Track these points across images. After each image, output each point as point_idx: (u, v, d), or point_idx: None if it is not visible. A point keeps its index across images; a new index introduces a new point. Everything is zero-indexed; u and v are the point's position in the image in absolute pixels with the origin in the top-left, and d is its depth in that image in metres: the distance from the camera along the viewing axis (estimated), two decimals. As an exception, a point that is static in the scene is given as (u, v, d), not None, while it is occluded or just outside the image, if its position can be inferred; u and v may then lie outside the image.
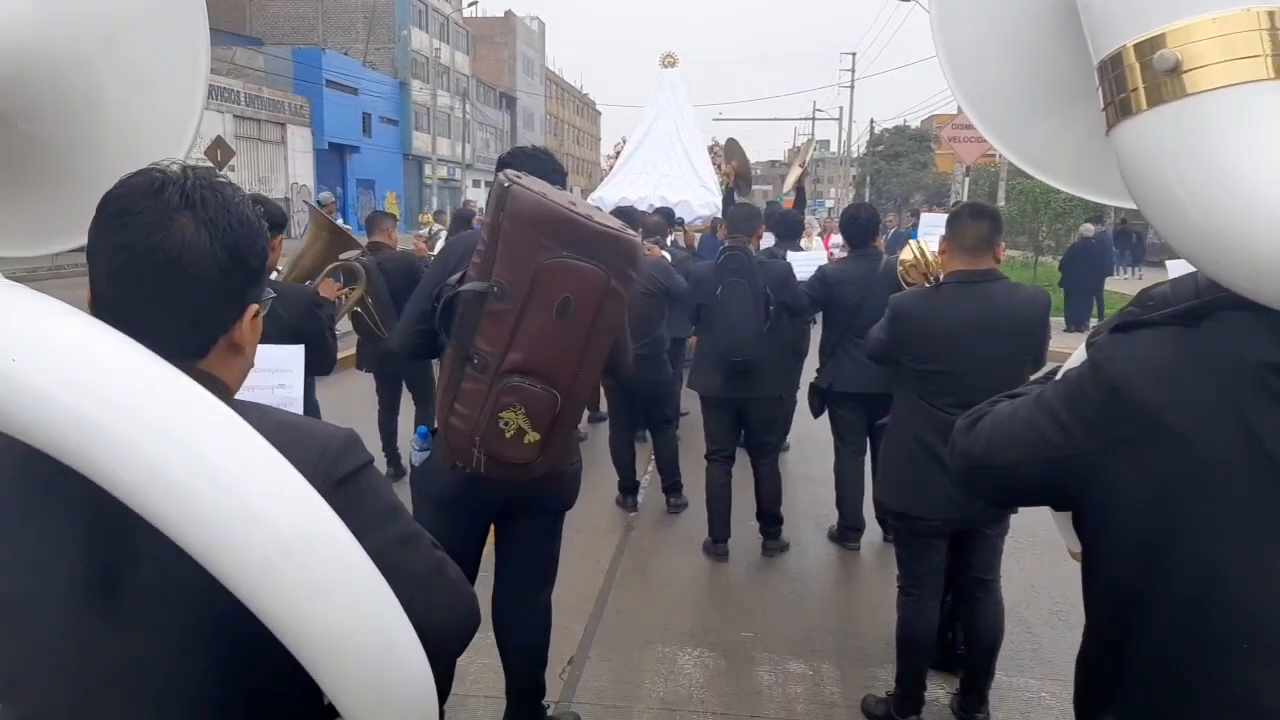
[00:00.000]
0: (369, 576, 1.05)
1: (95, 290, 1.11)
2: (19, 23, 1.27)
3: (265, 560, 0.97)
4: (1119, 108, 1.17)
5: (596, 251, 2.33)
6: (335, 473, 1.11)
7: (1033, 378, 1.60)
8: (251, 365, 1.24)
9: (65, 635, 1.07)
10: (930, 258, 3.47)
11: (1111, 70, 1.18)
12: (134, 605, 1.06)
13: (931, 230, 5.85)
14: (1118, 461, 1.22)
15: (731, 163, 10.27)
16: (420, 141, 47.52)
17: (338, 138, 39.53)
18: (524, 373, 2.38)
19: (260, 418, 1.10)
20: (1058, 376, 1.46)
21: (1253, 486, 1.11)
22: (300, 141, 36.86)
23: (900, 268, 3.94)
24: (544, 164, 2.87)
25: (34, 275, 11.74)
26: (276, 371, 2.59)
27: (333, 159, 39.58)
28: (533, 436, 2.44)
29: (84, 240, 1.17)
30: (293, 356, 2.68)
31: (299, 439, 1.10)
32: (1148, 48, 1.12)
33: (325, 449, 1.12)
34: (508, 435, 2.41)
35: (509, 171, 2.43)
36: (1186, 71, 1.09)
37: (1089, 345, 1.32)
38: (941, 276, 3.31)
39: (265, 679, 1.12)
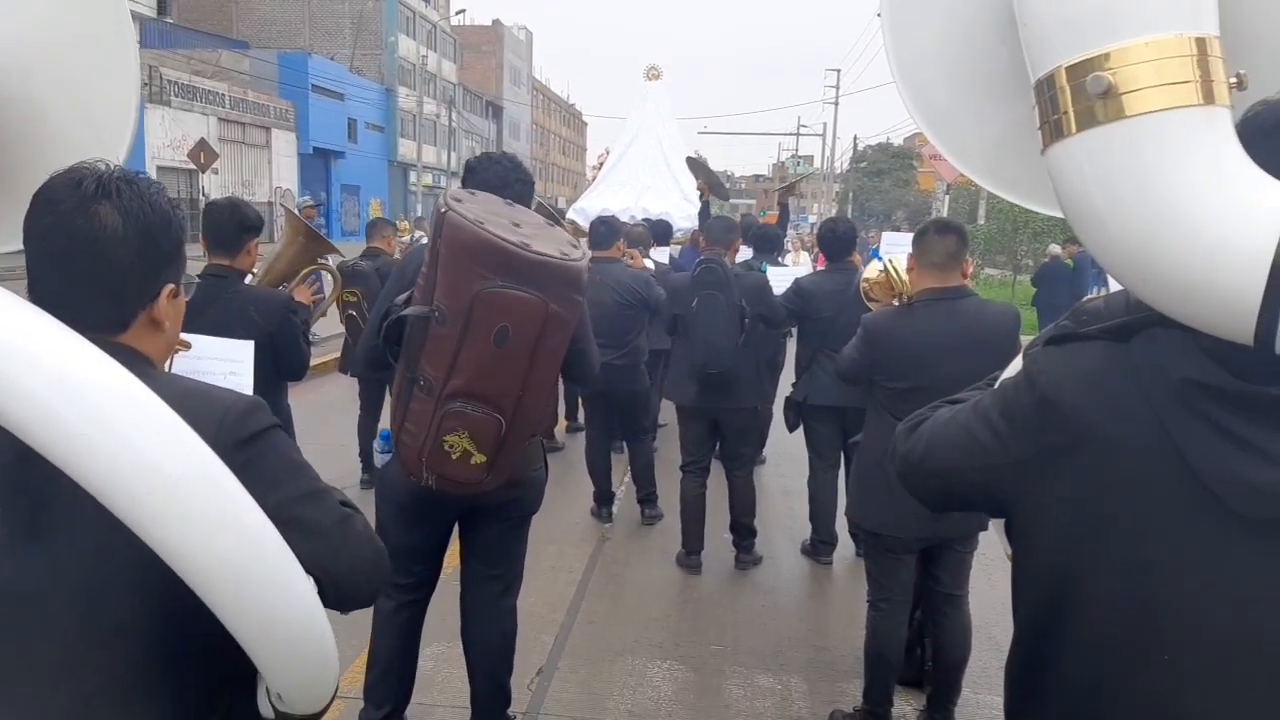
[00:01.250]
0: (249, 512, 1.15)
1: (29, 273, 1.24)
2: None
3: (150, 496, 1.09)
4: (1052, 129, 1.19)
5: (534, 279, 2.31)
6: (238, 433, 1.22)
7: (972, 386, 1.64)
8: (174, 341, 1.38)
9: None
10: (902, 276, 3.48)
11: (1046, 91, 1.19)
12: (57, 551, 1.17)
13: (894, 248, 5.87)
14: (1048, 471, 1.23)
15: (699, 179, 10.31)
16: (406, 148, 47.46)
17: (323, 143, 39.40)
18: (466, 397, 2.38)
19: (168, 384, 1.22)
20: (996, 385, 1.47)
21: (1176, 499, 1.13)
22: (285, 146, 36.72)
23: (864, 285, 3.94)
24: (505, 173, 2.86)
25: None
26: (229, 361, 2.83)
27: (317, 164, 39.46)
28: (479, 458, 2.45)
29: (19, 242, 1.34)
30: (243, 349, 2.91)
31: (204, 403, 1.22)
32: (1080, 70, 1.13)
33: (228, 411, 1.24)
34: (454, 457, 2.42)
35: (452, 192, 2.43)
36: (1121, 95, 1.10)
37: (1025, 356, 1.34)
38: (911, 295, 3.32)
39: (189, 609, 1.17)
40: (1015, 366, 1.44)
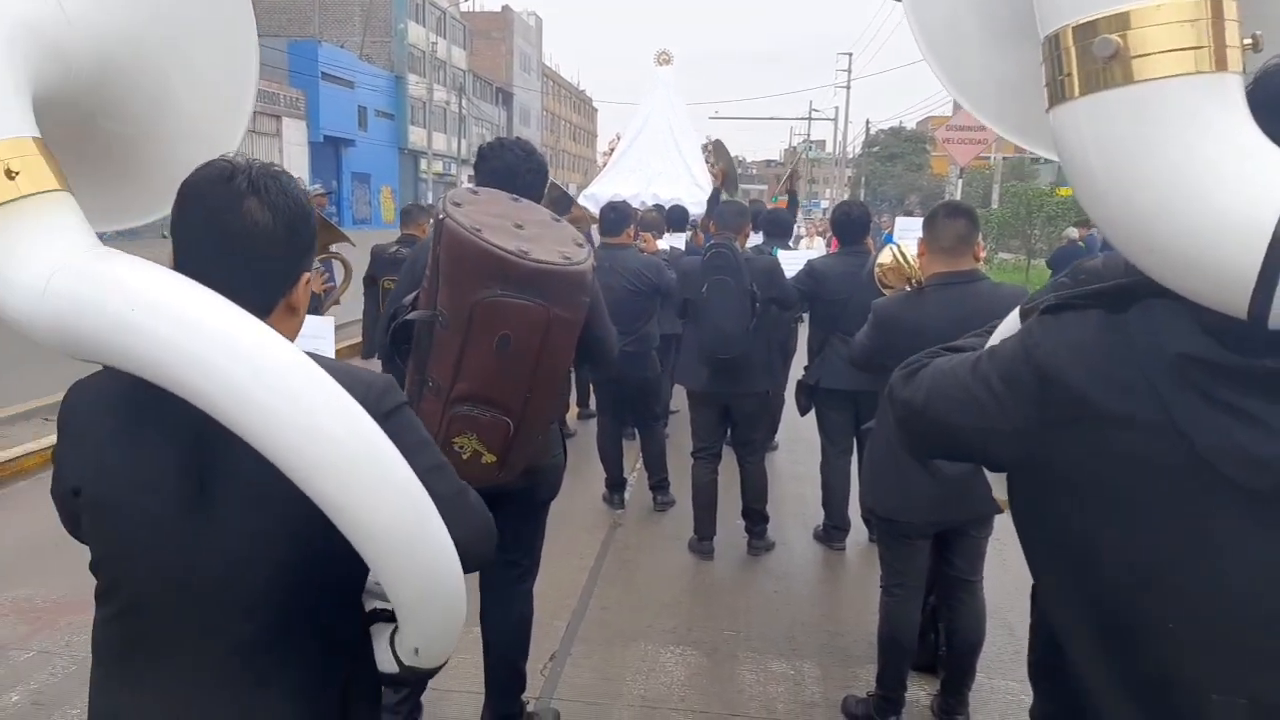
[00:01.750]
0: (410, 479, 1.27)
1: (177, 260, 1.32)
2: (103, 33, 1.51)
3: (329, 463, 1.21)
4: (1056, 89, 1.15)
5: (536, 287, 2.27)
6: (381, 407, 1.33)
7: (971, 333, 1.64)
8: (302, 325, 1.47)
9: (164, 537, 1.30)
10: (911, 261, 3.45)
11: (1052, 50, 1.15)
12: (222, 507, 1.30)
13: (907, 234, 5.82)
14: (1049, 439, 1.23)
15: (719, 164, 10.25)
16: (416, 136, 47.46)
17: (333, 131, 39.45)
18: (473, 401, 2.36)
19: (320, 361, 1.31)
20: (992, 340, 1.46)
21: (1176, 473, 1.12)
22: (295, 134, 36.77)
23: (878, 271, 3.91)
24: (516, 162, 2.83)
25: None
26: (314, 338, 2.89)
27: (328, 152, 39.51)
28: (490, 458, 2.43)
29: (152, 217, 1.61)
30: (326, 325, 3.10)
31: (350, 380, 1.31)
32: (1088, 31, 1.09)
33: (370, 387, 1.35)
34: (464, 457, 2.39)
35: (452, 195, 2.39)
36: (1130, 59, 1.06)
37: (1022, 315, 1.33)
38: (922, 279, 3.29)
39: (331, 571, 1.35)
40: (1013, 323, 1.42)
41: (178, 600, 1.32)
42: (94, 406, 1.37)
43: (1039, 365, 1.22)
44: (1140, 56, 1.06)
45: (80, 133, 1.45)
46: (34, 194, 1.29)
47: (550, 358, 2.40)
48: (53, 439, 6.41)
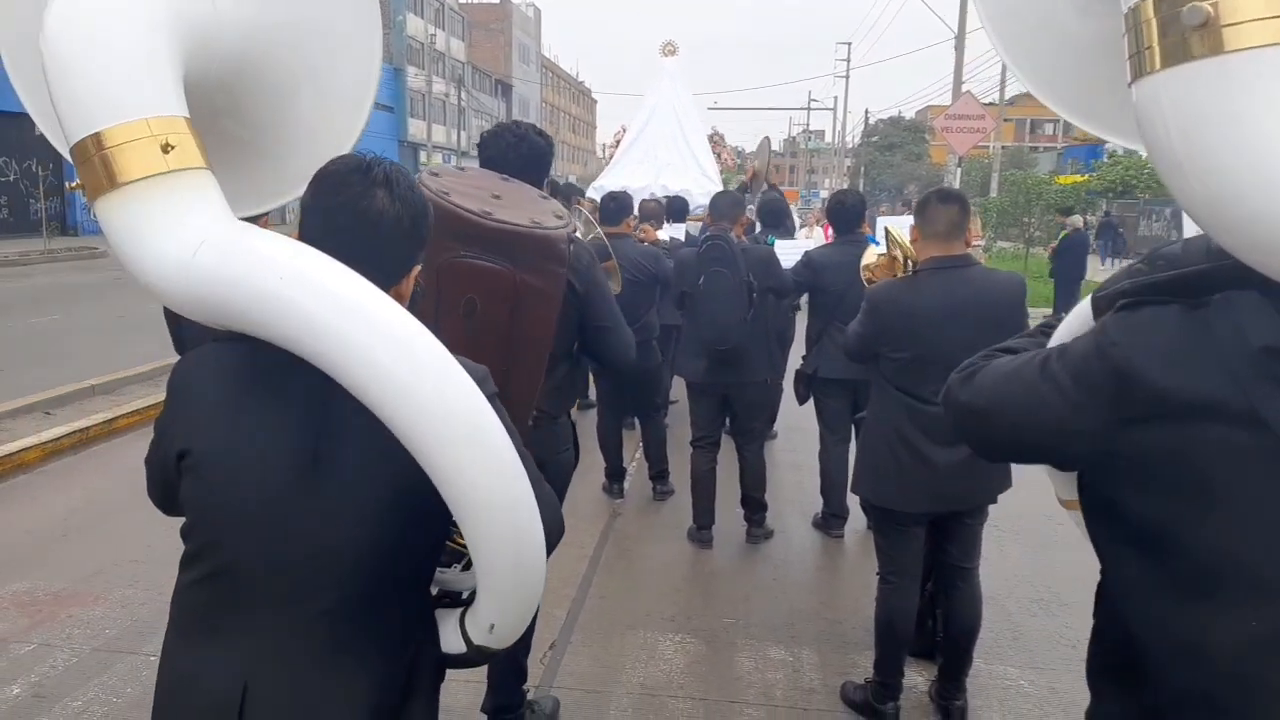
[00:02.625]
0: (516, 458, 1.36)
1: (306, 240, 1.40)
2: (245, 29, 1.59)
3: (452, 432, 1.29)
4: (1137, 63, 1.11)
5: (499, 248, 2.25)
6: (483, 391, 1.38)
7: (1023, 335, 1.62)
8: None
9: (268, 503, 1.36)
10: (902, 241, 3.44)
11: (1132, 21, 1.11)
12: (329, 483, 1.36)
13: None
14: (1128, 438, 1.21)
15: (756, 161, 10.23)
16: (415, 128, 47.39)
17: (331, 123, 39.33)
18: None
19: None
20: (1059, 336, 1.43)
21: (1261, 469, 1.12)
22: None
23: (865, 272, 3.87)
24: (506, 147, 2.79)
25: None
26: None
27: (326, 145, 39.39)
28: None
29: (266, 207, 1.78)
30: None
31: (460, 363, 1.36)
32: (1173, 0, 1.04)
33: (474, 371, 1.40)
34: None
35: (430, 168, 2.39)
36: (1221, 28, 1.01)
37: (1095, 305, 1.33)
38: (914, 257, 3.29)
39: (412, 551, 1.45)
40: (1081, 317, 1.40)
41: (270, 566, 1.37)
42: (209, 374, 1.44)
43: (1115, 364, 1.21)
44: (1233, 25, 1.00)
45: (203, 129, 1.52)
46: (184, 169, 1.37)
47: (527, 331, 2.36)
48: (54, 432, 6.47)
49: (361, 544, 1.38)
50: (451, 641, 1.51)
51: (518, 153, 2.80)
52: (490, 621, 1.46)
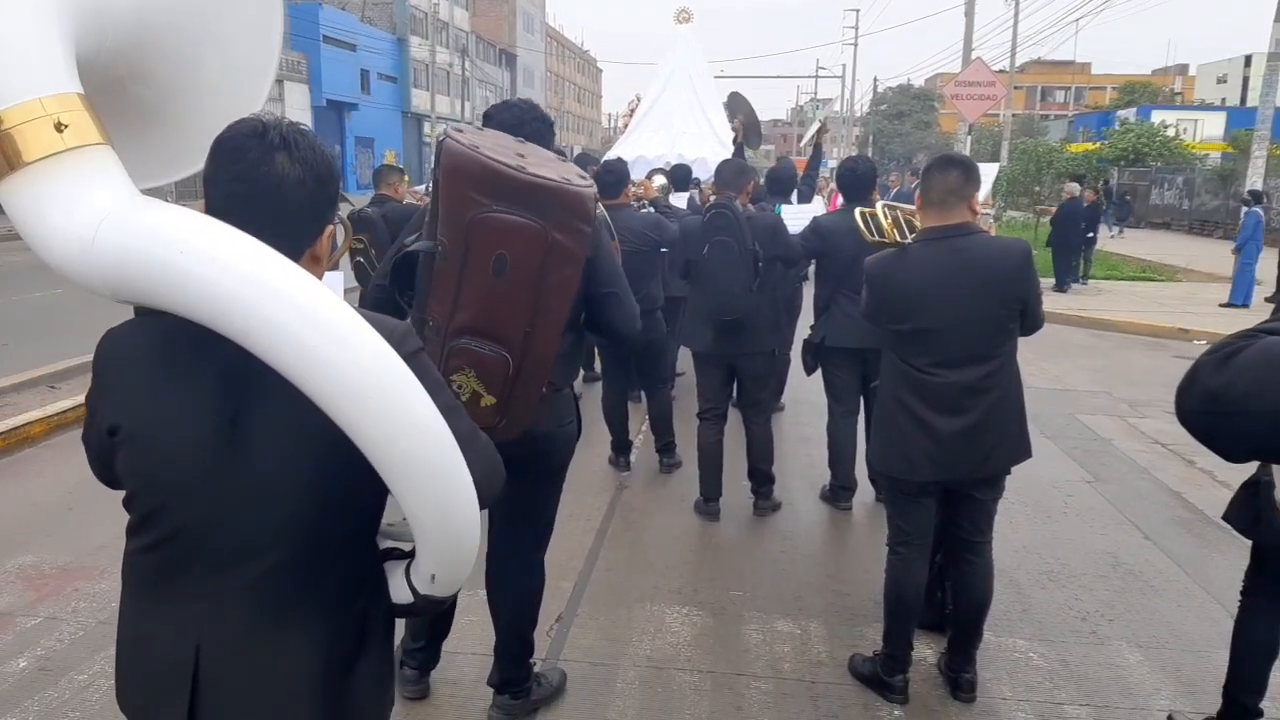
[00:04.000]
0: (434, 413, 1.36)
1: (211, 211, 1.39)
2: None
3: (363, 393, 1.29)
4: None
5: (530, 204, 2.23)
6: (402, 349, 1.38)
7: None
8: (323, 275, 1.52)
9: (200, 471, 1.38)
10: (886, 224, 3.36)
11: None
12: (254, 443, 1.38)
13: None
14: None
15: (738, 116, 10.11)
16: (419, 99, 47.05)
17: (336, 95, 39.12)
18: (472, 334, 2.31)
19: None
20: None
21: None
22: (298, 98, 36.45)
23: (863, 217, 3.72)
24: (522, 114, 2.78)
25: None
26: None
27: (331, 116, 39.20)
28: (488, 400, 2.37)
29: (173, 178, 1.74)
30: (336, 280, 3.19)
31: (375, 323, 1.38)
32: None
33: (393, 332, 1.41)
34: (463, 398, 2.32)
35: (451, 127, 2.36)
36: None
37: None
38: (898, 239, 3.24)
39: (351, 506, 1.46)
40: None
41: (208, 530, 1.40)
42: (130, 350, 1.45)
43: None
44: None
45: (110, 96, 1.50)
46: (80, 146, 1.35)
47: (552, 290, 2.34)
48: (59, 406, 6.46)
49: (296, 503, 1.40)
50: (400, 592, 1.54)
51: (533, 116, 2.78)
52: (430, 572, 1.49)
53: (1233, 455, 1.39)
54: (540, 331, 2.37)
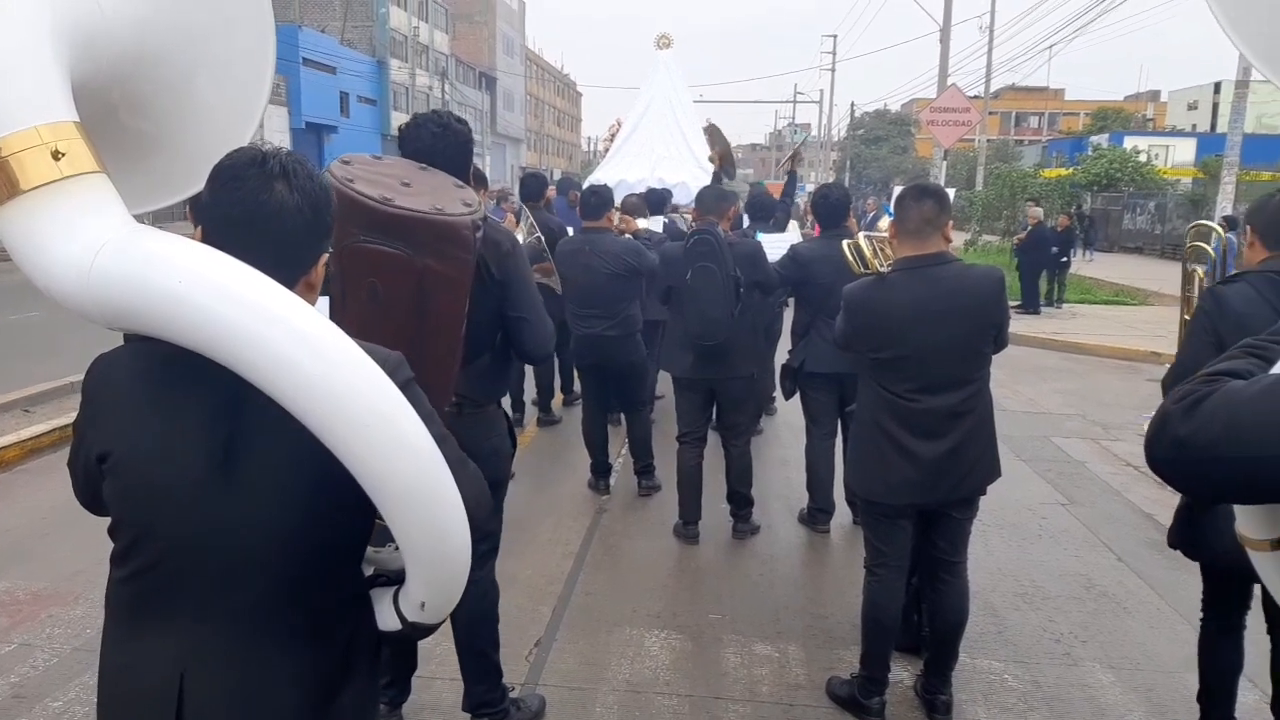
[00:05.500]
0: (429, 442, 1.38)
1: (208, 239, 1.40)
2: (134, 26, 1.57)
3: (362, 423, 1.31)
4: None
5: (399, 234, 2.25)
6: (397, 378, 1.40)
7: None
8: (316, 301, 1.53)
9: (191, 499, 1.38)
10: (869, 254, 3.42)
11: None
12: (246, 473, 1.39)
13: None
14: None
15: (716, 148, 10.21)
16: (399, 121, 46.97)
17: (315, 117, 39.09)
18: None
19: None
20: None
21: None
22: (277, 121, 36.39)
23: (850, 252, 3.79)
24: (430, 141, 2.71)
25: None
26: None
27: (310, 139, 39.15)
28: None
29: (164, 204, 1.73)
30: (323, 304, 3.16)
31: (369, 352, 1.39)
32: None
33: (386, 361, 1.43)
34: None
35: (346, 157, 2.39)
36: None
37: None
38: (880, 268, 3.29)
39: (339, 534, 1.47)
40: None
41: (196, 558, 1.41)
42: (122, 376, 1.45)
43: None
44: None
45: (103, 123, 1.50)
46: (77, 175, 1.36)
47: (437, 320, 2.35)
48: (34, 430, 6.40)
49: (285, 533, 1.41)
50: (387, 620, 1.54)
51: (444, 142, 2.75)
52: (420, 600, 1.50)
53: (1205, 499, 1.41)
54: (430, 355, 2.32)
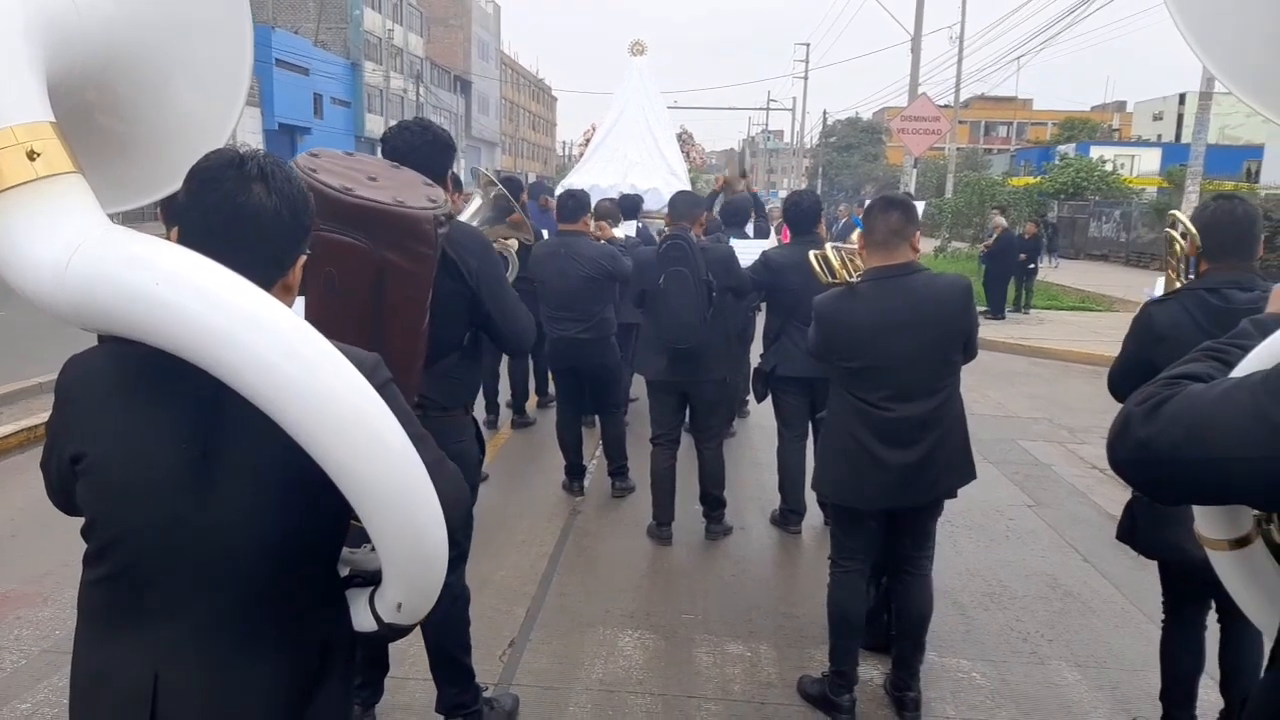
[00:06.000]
0: (406, 442, 1.39)
1: (184, 240, 1.40)
2: (110, 25, 1.55)
3: (340, 425, 1.32)
4: None
5: (359, 225, 2.26)
6: (374, 380, 1.41)
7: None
8: (294, 304, 1.53)
9: (168, 500, 1.38)
10: (836, 264, 3.46)
11: None
12: (222, 474, 1.39)
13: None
14: None
15: (725, 171, 10.33)
16: (373, 124, 46.89)
17: (288, 118, 38.84)
18: None
19: None
20: (1261, 359, 1.28)
21: None
22: (249, 122, 36.11)
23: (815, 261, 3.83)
24: (408, 139, 2.78)
25: None
26: None
27: (283, 140, 38.88)
28: None
29: (147, 200, 1.71)
30: (299, 306, 3.13)
31: (347, 354, 1.40)
32: None
33: (363, 363, 1.43)
34: None
35: (311, 150, 2.40)
36: None
37: None
38: (850, 279, 3.33)
39: (315, 536, 1.48)
40: None
41: (172, 560, 1.40)
42: (96, 377, 1.44)
43: None
44: None
45: (77, 123, 1.48)
46: (52, 175, 1.35)
47: (396, 314, 2.35)
48: (1, 431, 6.31)
49: (260, 535, 1.41)
50: (363, 620, 1.54)
51: (422, 140, 2.80)
52: (397, 601, 1.50)
53: (1166, 500, 1.44)
54: (388, 351, 2.37)
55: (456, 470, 1.59)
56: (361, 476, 1.34)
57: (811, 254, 3.69)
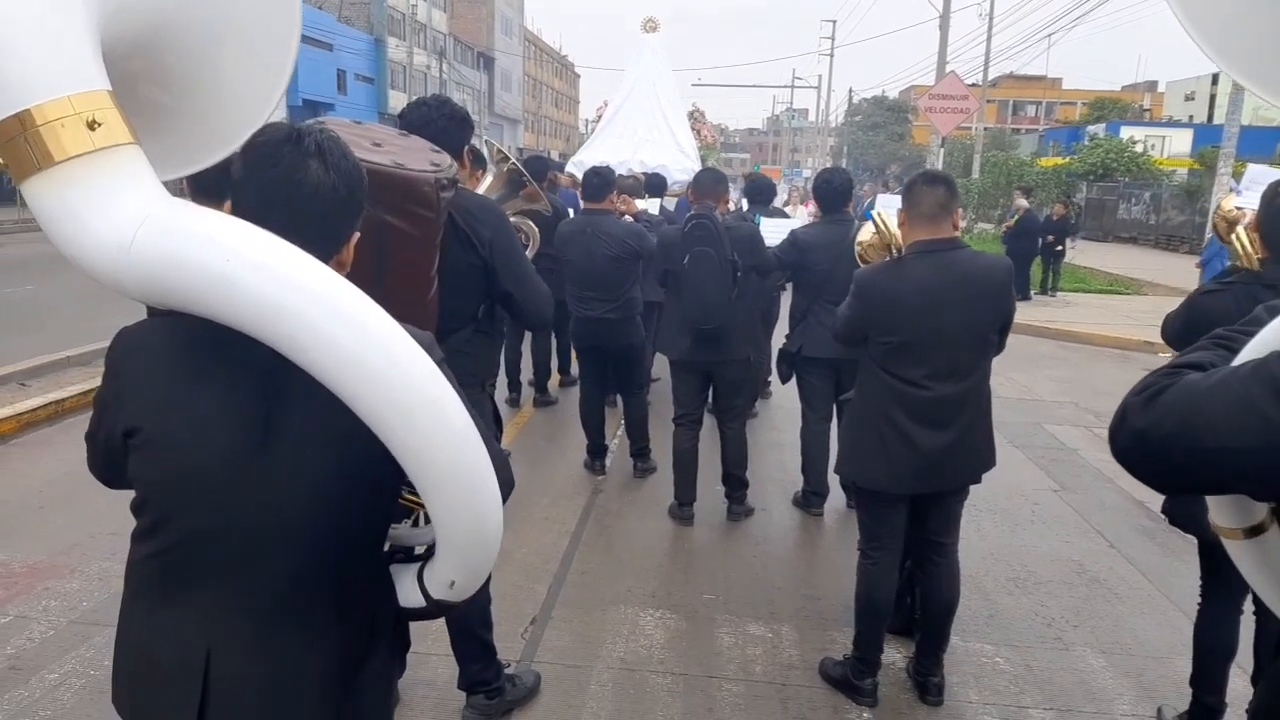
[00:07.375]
0: (471, 426, 1.38)
1: (242, 216, 1.38)
2: None
3: (410, 406, 1.31)
4: None
5: None
6: (431, 358, 1.39)
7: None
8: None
9: (228, 475, 1.38)
10: (891, 228, 3.43)
11: None
12: (283, 452, 1.39)
13: (887, 210, 5.73)
14: None
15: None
16: (396, 100, 46.84)
17: (312, 94, 38.87)
18: None
19: None
20: (1263, 345, 1.25)
21: None
22: (273, 97, 36.19)
23: (858, 249, 3.84)
24: (425, 113, 2.78)
25: None
26: None
27: (306, 116, 38.47)
28: None
29: (190, 170, 1.66)
30: None
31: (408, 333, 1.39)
32: None
33: (420, 341, 1.40)
34: None
35: (320, 119, 2.40)
36: None
37: None
38: (902, 246, 3.29)
39: (369, 513, 1.48)
40: None
41: (226, 536, 1.40)
42: (151, 351, 1.43)
43: None
44: None
45: (123, 92, 1.44)
46: (113, 146, 1.31)
47: (398, 278, 2.32)
48: (30, 403, 6.40)
49: (316, 510, 1.41)
50: (410, 596, 1.54)
51: (439, 114, 2.79)
52: (451, 578, 1.50)
53: (1165, 489, 1.43)
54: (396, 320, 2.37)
55: (501, 452, 1.57)
56: (427, 458, 1.34)
57: (875, 212, 3.67)
